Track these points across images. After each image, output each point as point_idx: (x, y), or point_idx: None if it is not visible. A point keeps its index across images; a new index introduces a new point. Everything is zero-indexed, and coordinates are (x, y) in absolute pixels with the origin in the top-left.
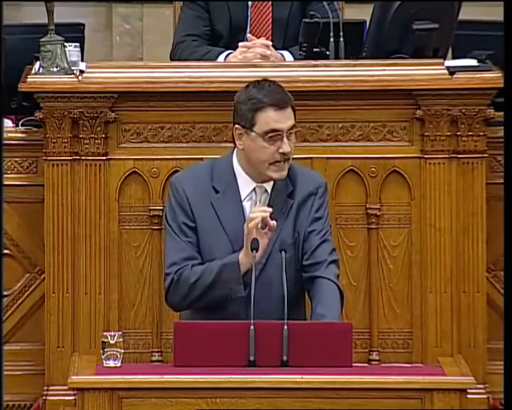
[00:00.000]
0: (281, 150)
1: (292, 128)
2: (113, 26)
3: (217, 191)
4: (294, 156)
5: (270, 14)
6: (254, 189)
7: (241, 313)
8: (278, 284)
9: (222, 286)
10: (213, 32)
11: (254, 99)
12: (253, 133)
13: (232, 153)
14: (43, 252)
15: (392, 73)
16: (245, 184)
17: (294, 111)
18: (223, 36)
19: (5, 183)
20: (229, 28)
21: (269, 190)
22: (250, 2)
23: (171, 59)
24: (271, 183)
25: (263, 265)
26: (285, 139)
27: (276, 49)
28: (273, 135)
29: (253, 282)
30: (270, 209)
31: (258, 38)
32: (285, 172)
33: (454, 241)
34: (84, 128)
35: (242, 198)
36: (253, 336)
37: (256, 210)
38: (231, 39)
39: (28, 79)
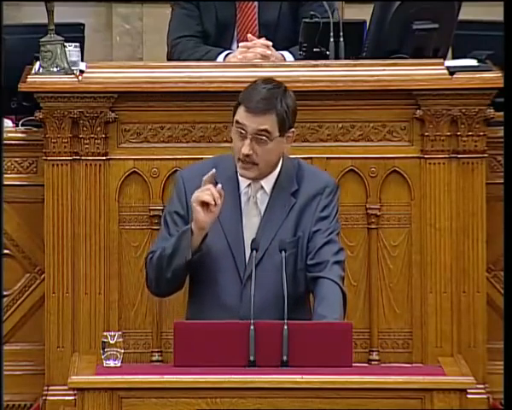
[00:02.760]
0: (242, 150)
1: (262, 132)
2: (113, 26)
3: (217, 183)
4: (295, 156)
5: (256, 16)
6: (250, 183)
7: (235, 307)
8: (274, 283)
9: (180, 254)
10: (204, 29)
11: (244, 93)
12: (234, 121)
13: None
14: (43, 252)
15: (392, 73)
16: (244, 179)
17: (282, 121)
18: (210, 35)
19: (5, 183)
20: (215, 26)
21: (266, 188)
22: (237, 2)
23: (169, 60)
24: (272, 180)
25: (258, 261)
26: (247, 141)
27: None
28: (238, 127)
29: (252, 282)
30: (217, 195)
31: (245, 39)
32: (251, 174)
33: (454, 241)
34: (84, 128)
35: (241, 192)
36: (253, 336)
37: (205, 189)
38: (218, 37)
39: (28, 79)
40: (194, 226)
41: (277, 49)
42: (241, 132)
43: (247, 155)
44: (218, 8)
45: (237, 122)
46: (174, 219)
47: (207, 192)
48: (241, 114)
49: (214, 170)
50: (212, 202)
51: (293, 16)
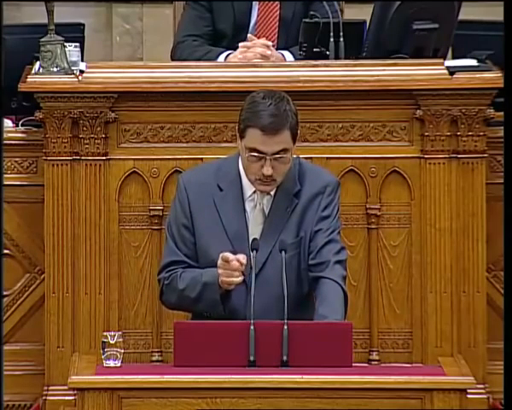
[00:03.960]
0: (262, 171)
1: (281, 152)
2: (113, 26)
3: (221, 189)
4: (295, 156)
5: (278, 13)
6: (256, 190)
7: (241, 310)
8: (278, 284)
9: (204, 303)
10: (216, 31)
11: (250, 113)
12: (242, 143)
13: (238, 152)
14: (43, 252)
15: (392, 73)
16: (248, 184)
17: (295, 133)
18: (226, 35)
19: (5, 183)
20: (232, 28)
21: (271, 193)
22: (255, 2)
23: (172, 58)
24: None
25: (262, 264)
26: (268, 162)
27: (281, 48)
28: (256, 155)
29: (252, 282)
30: (241, 273)
31: (265, 36)
32: (271, 187)
33: (454, 241)
34: (84, 128)
35: (245, 198)
36: (252, 336)
37: (234, 270)
38: (235, 39)
39: (28, 79)
40: (222, 285)
41: (288, 48)
42: (259, 157)
43: (269, 175)
44: (236, 9)
45: (253, 149)
46: (180, 231)
47: (237, 274)
48: (255, 139)
49: (245, 257)
50: (243, 278)
51: (305, 16)
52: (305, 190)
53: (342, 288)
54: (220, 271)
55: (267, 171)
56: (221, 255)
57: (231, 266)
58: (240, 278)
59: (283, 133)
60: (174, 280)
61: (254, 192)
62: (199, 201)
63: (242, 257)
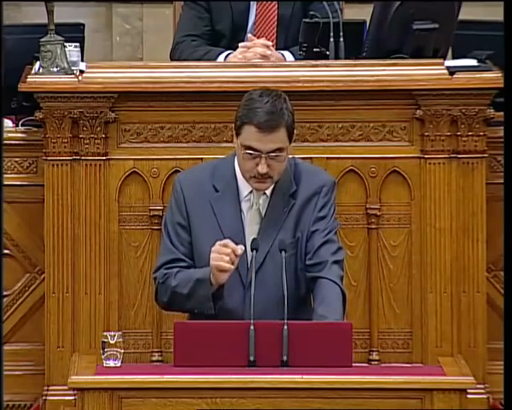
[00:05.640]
0: (257, 169)
1: (277, 151)
2: (113, 26)
3: (216, 190)
4: (295, 156)
5: (276, 12)
6: (252, 190)
7: (238, 310)
8: (276, 284)
9: (195, 300)
10: (214, 32)
11: (246, 110)
12: (238, 141)
13: (235, 153)
14: (43, 252)
15: (392, 73)
16: (244, 185)
17: (291, 131)
18: (224, 36)
19: (5, 183)
20: (231, 28)
21: (268, 193)
22: (253, 2)
23: (171, 59)
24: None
25: (260, 264)
26: (263, 160)
27: (280, 48)
28: (251, 152)
29: (252, 282)
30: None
31: (263, 36)
32: (267, 185)
33: (454, 241)
34: (84, 128)
35: (241, 198)
36: (252, 336)
37: (223, 254)
38: (233, 39)
39: (28, 79)
40: (213, 280)
41: (288, 48)
42: (254, 155)
43: (265, 173)
44: (234, 9)
45: (249, 147)
46: (176, 230)
47: (227, 260)
48: (250, 136)
49: (243, 249)
50: (233, 268)
51: (303, 16)
52: (302, 191)
53: (340, 288)
54: (213, 254)
55: (262, 169)
56: (221, 241)
57: (224, 250)
58: (228, 265)
59: (279, 131)
60: (168, 279)
61: (250, 192)
62: (195, 201)
63: (240, 248)
